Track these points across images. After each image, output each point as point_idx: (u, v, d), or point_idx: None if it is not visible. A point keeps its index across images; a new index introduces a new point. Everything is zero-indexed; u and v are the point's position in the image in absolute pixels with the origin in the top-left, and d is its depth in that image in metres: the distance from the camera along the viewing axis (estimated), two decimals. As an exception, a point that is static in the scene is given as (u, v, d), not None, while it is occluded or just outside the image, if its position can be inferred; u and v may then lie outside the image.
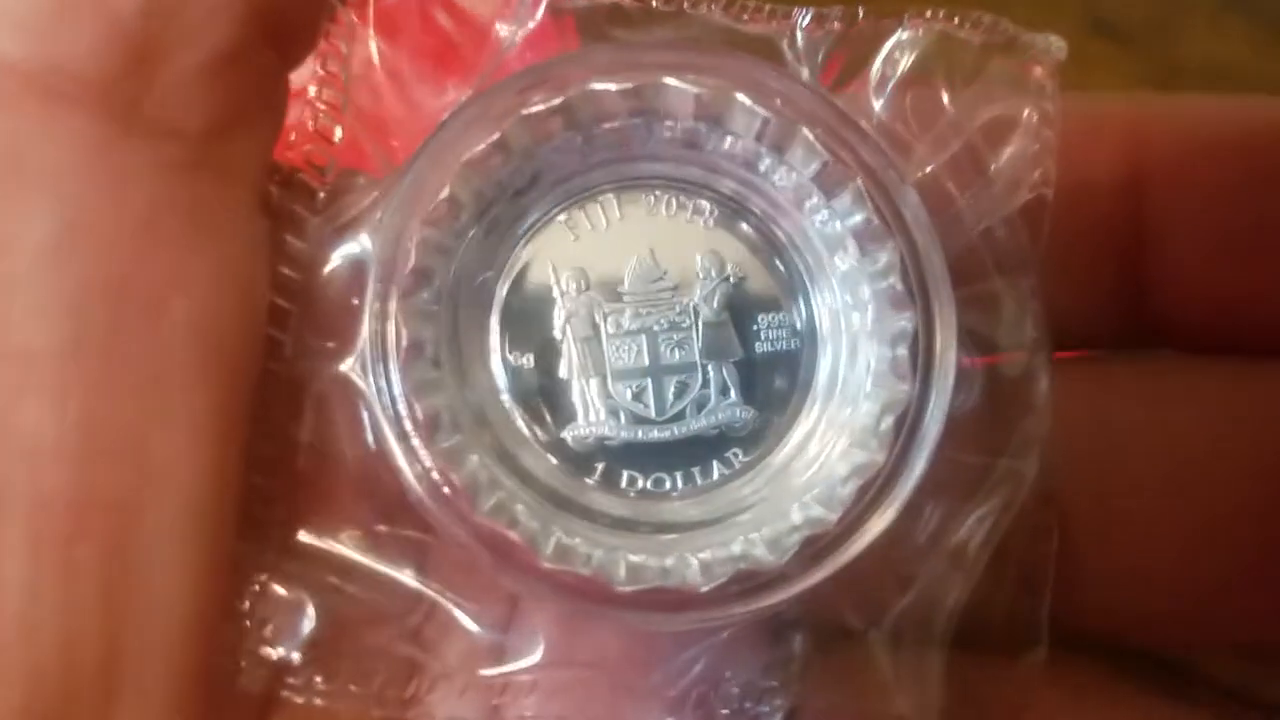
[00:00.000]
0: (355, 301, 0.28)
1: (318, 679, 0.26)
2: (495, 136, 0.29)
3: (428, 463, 0.27)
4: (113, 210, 0.23)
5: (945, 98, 0.32)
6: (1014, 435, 0.30)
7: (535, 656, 0.28)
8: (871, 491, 0.28)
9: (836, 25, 0.31)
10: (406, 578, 0.28)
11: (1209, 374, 0.34)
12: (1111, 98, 0.35)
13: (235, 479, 0.25)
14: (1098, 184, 0.33)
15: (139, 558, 0.23)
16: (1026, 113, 0.32)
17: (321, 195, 0.28)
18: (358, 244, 0.29)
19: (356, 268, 0.28)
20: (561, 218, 0.31)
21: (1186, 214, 0.33)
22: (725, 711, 0.28)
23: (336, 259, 0.29)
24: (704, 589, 0.27)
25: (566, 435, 0.30)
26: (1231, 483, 0.33)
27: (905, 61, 0.32)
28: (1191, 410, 0.33)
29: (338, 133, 0.28)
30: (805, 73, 0.31)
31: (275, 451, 0.27)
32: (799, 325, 0.31)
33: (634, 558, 0.28)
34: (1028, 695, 0.28)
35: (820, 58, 0.31)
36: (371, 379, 0.28)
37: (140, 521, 0.23)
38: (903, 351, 0.29)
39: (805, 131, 0.30)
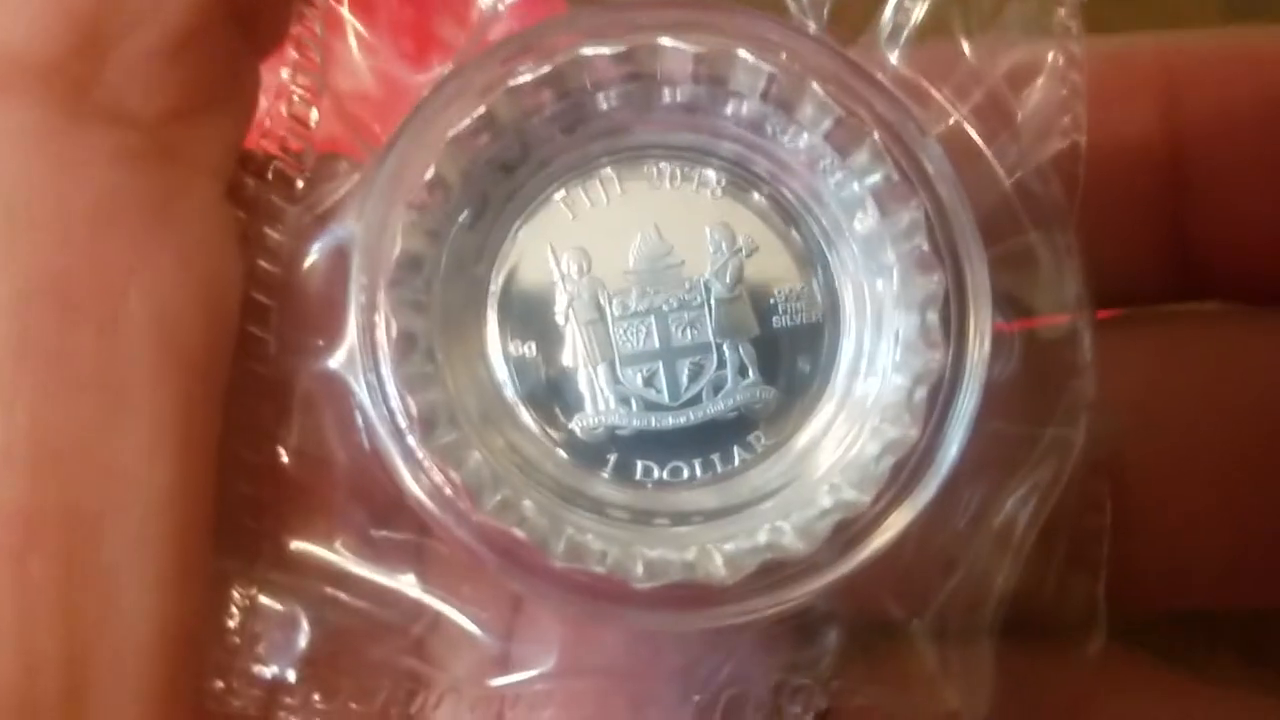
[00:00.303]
0: (340, 291, 0.26)
1: (316, 698, 0.25)
2: (481, 111, 0.27)
3: (425, 462, 0.25)
4: (60, 201, 0.22)
5: (964, 44, 0.30)
6: (1058, 402, 0.27)
7: (548, 665, 0.26)
8: (907, 469, 0.26)
9: (844, -30, 0.28)
10: (406, 586, 0.26)
11: (1261, 326, 0.32)
12: (1138, 38, 0.32)
13: (205, 484, 0.23)
14: (1131, 129, 0.31)
15: (100, 569, 0.22)
16: (1051, 56, 0.29)
17: (300, 183, 0.27)
18: (340, 233, 0.27)
19: (340, 258, 0.27)
20: (558, 195, 0.29)
21: (1226, 156, 0.31)
22: (759, 716, 0.26)
23: (318, 250, 0.27)
24: (729, 583, 0.25)
25: (574, 426, 0.28)
26: None
27: (918, 8, 0.30)
28: (1248, 365, 0.31)
29: (314, 117, 0.27)
30: (811, 24, 0.29)
31: (262, 458, 0.25)
32: (819, 297, 0.28)
33: (652, 552, 0.26)
34: (1086, 686, 0.26)
35: (827, 8, 0.29)
36: (361, 375, 0.26)
37: (100, 531, 0.22)
38: (933, 317, 0.27)
39: (814, 86, 0.27)
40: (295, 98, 0.26)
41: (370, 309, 0.26)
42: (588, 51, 0.28)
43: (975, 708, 0.26)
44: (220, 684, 0.24)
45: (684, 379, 0.28)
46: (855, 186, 0.28)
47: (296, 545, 0.26)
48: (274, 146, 0.27)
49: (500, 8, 0.29)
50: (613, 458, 0.28)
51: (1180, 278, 0.32)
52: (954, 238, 0.27)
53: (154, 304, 0.23)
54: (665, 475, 0.28)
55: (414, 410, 0.26)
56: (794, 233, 0.29)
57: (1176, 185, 0.31)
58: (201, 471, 0.23)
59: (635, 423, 0.28)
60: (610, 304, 0.28)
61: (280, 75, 0.27)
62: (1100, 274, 0.29)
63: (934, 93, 0.30)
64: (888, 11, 0.30)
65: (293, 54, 0.27)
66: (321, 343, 0.26)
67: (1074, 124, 0.29)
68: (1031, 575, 0.27)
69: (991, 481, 0.27)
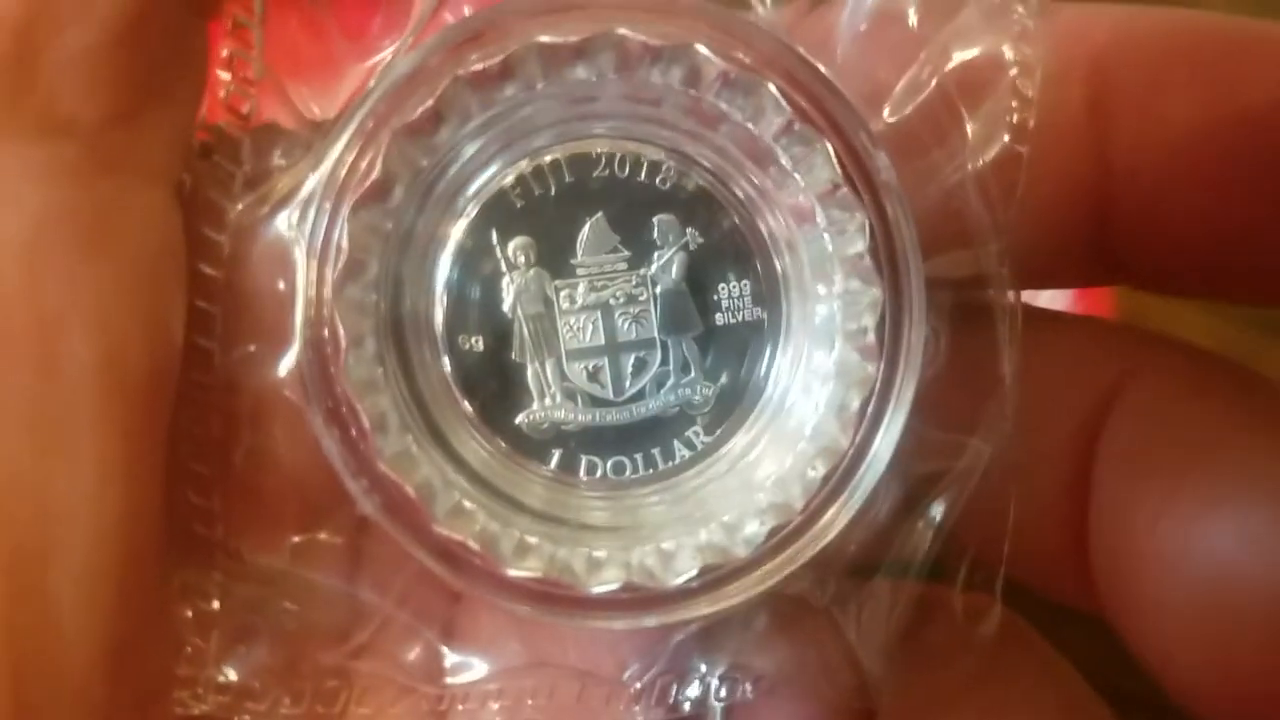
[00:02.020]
0: (285, 294, 0.26)
1: (286, 702, 0.26)
2: (429, 103, 0.26)
3: (377, 470, 0.26)
4: None
5: (919, 37, 0.29)
6: (978, 409, 0.29)
7: (499, 662, 0.27)
8: (836, 476, 0.28)
9: (804, -43, 0.28)
10: (357, 589, 0.27)
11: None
12: (1069, 10, 0.32)
13: (153, 511, 0.23)
14: (1057, 114, 0.31)
15: (44, 607, 0.22)
16: (1006, 57, 0.29)
17: (239, 178, 0.25)
18: (285, 231, 0.26)
19: (285, 259, 0.26)
20: (506, 183, 0.28)
21: (1151, 151, 0.31)
22: (689, 700, 0.28)
23: (261, 250, 0.26)
24: (670, 585, 0.27)
25: (521, 422, 0.28)
26: None
27: (876, -1, 0.29)
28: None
29: (251, 108, 0.25)
30: (770, 17, 0.28)
31: (211, 468, 0.25)
32: (761, 295, 0.29)
33: (597, 553, 0.27)
34: (982, 663, 0.29)
35: (786, -3, 0.28)
36: (309, 381, 0.26)
37: (43, 569, 0.22)
38: (870, 328, 0.28)
39: (770, 87, 0.27)
40: (233, 88, 0.25)
41: (318, 313, 0.26)
42: (543, 40, 0.26)
43: (883, 682, 0.29)
44: (184, 694, 0.25)
45: (628, 374, 0.29)
46: (804, 190, 0.28)
47: (249, 553, 0.26)
48: (210, 137, 0.25)
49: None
50: (557, 454, 0.28)
51: (1097, 263, 0.33)
52: (895, 251, 0.28)
53: (94, 338, 0.22)
54: (609, 471, 0.29)
55: (365, 420, 0.26)
56: (740, 231, 0.29)
57: (1101, 173, 0.32)
58: (148, 500, 0.23)
59: (581, 418, 0.29)
60: (558, 297, 0.29)
61: (215, 62, 0.25)
62: (1024, 254, 0.30)
63: (885, 86, 0.29)
64: (848, 1, 0.29)
65: (229, 25, 0.25)
66: (265, 348, 0.26)
67: (1019, 133, 0.29)
68: (940, 568, 0.29)
69: (909, 479, 0.29)
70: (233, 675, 0.25)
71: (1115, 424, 0.29)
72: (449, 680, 0.27)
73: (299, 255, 0.25)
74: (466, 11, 0.27)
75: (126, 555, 0.22)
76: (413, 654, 0.27)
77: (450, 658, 0.27)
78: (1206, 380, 0.29)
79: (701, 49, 0.27)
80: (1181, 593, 0.26)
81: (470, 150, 0.28)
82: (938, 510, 0.29)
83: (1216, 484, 0.26)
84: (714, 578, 0.27)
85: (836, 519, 0.28)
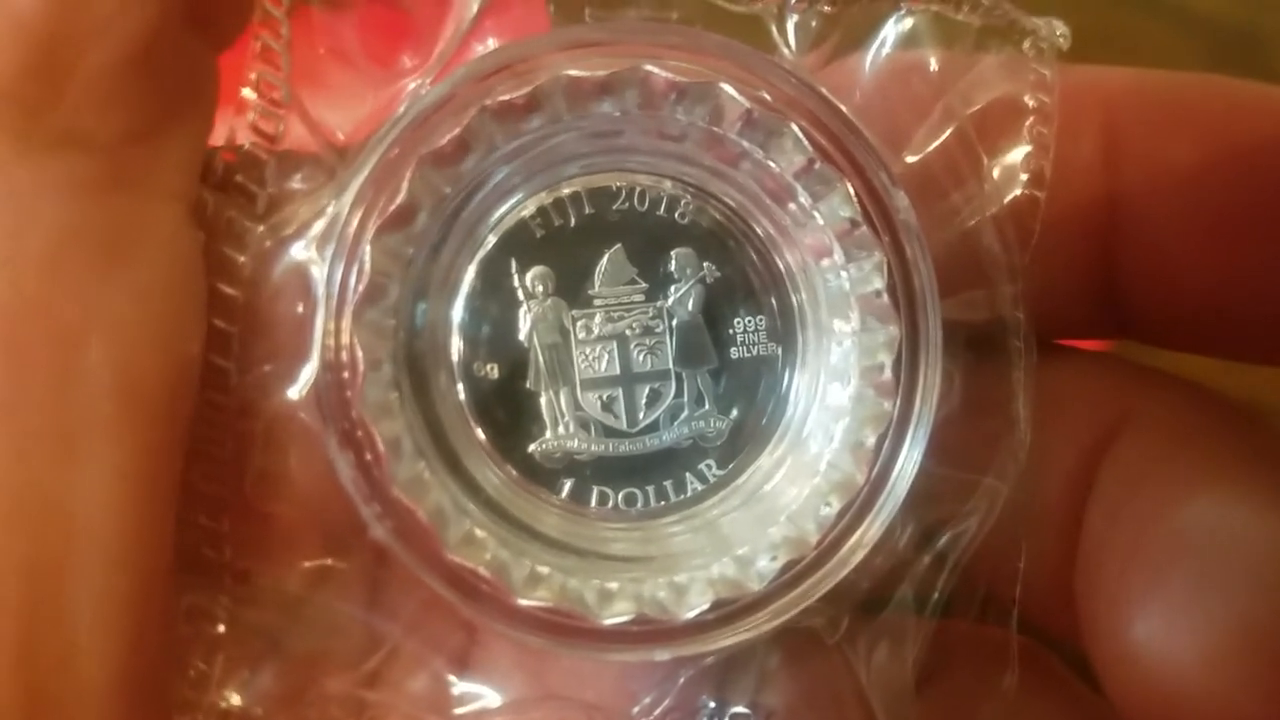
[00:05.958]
0: (304, 316, 0.26)
1: (288, 731, 0.25)
2: (456, 132, 0.26)
3: (390, 495, 0.26)
4: (11, 242, 0.21)
5: (939, 83, 0.30)
6: (992, 449, 0.29)
7: (506, 694, 0.27)
8: (851, 512, 0.28)
9: (827, 8, 0.28)
10: (366, 616, 0.27)
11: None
12: (1083, 70, 0.33)
13: (166, 531, 0.23)
14: (1071, 170, 0.32)
15: (61, 624, 0.21)
16: (1022, 104, 0.30)
17: (262, 200, 0.25)
18: (306, 254, 0.26)
19: (305, 281, 0.26)
20: (527, 213, 0.28)
21: (1159, 209, 0.32)
22: (699, 737, 0.28)
23: (281, 273, 0.26)
24: (682, 618, 0.26)
25: (534, 450, 0.28)
26: None
27: (898, 44, 0.29)
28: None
29: (280, 130, 0.25)
30: (794, 59, 0.29)
31: (222, 490, 0.25)
32: (777, 330, 0.29)
33: (609, 585, 0.27)
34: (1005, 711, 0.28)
35: (810, 41, 0.29)
36: (325, 405, 0.26)
37: (60, 586, 0.21)
38: (886, 365, 0.28)
39: (793, 126, 0.27)
40: (260, 110, 0.25)
41: (336, 337, 0.26)
42: (570, 73, 0.27)
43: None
44: (185, 718, 0.25)
45: (642, 405, 0.29)
46: (822, 228, 0.28)
47: (257, 576, 0.26)
48: (235, 158, 0.25)
49: (477, 8, 0.27)
50: (569, 483, 0.28)
51: (1103, 316, 0.33)
52: (912, 289, 0.28)
53: (112, 352, 0.22)
54: (620, 502, 0.28)
55: (380, 444, 0.26)
56: (757, 266, 0.29)
57: (1110, 229, 0.32)
58: (163, 519, 0.23)
59: (594, 448, 0.28)
60: (574, 327, 0.29)
61: (242, 83, 0.25)
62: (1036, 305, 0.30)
63: (904, 130, 0.30)
64: (869, 46, 0.29)
65: (256, 46, 0.25)
66: (283, 369, 0.26)
67: (1035, 178, 0.29)
68: (953, 609, 0.29)
69: (923, 518, 0.29)
70: (236, 701, 0.25)
71: (1105, 474, 0.29)
72: (456, 711, 0.27)
73: (320, 277, 0.25)
74: (493, 43, 0.28)
75: (143, 570, 0.22)
76: (420, 684, 0.26)
77: (458, 688, 0.27)
78: (1196, 433, 0.29)
79: (726, 88, 0.27)
80: (1132, 667, 0.25)
81: (494, 180, 0.28)
82: (952, 549, 0.29)
83: (1165, 562, 0.26)
84: (726, 612, 0.27)
85: (851, 555, 0.27)
